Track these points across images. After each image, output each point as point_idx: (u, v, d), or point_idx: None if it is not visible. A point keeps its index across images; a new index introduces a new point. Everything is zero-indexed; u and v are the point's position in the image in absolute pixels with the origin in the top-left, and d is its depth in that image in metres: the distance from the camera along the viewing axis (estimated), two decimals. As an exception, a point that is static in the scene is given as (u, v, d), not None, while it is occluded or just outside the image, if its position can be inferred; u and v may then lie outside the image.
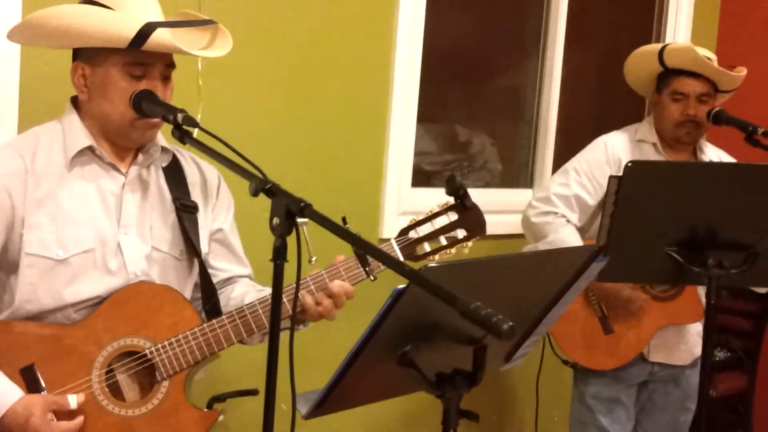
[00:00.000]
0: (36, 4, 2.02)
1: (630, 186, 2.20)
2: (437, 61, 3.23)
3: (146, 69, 1.82)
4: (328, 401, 1.56)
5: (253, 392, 2.64)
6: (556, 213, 2.79)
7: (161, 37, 1.77)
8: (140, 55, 1.80)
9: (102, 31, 1.77)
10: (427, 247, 1.91)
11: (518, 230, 2.98)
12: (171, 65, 1.87)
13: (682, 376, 2.86)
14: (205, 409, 1.91)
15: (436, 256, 1.90)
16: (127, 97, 1.81)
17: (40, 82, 2.24)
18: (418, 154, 3.21)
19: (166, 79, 1.86)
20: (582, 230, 2.82)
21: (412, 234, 1.91)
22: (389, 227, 2.99)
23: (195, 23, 1.87)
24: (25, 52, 2.21)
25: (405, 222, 1.97)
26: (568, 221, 2.79)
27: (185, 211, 1.93)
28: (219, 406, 2.61)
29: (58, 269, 1.82)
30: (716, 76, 2.77)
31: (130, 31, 1.75)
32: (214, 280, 2.00)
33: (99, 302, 1.85)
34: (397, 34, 2.96)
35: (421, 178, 3.29)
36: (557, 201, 2.80)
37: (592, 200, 2.80)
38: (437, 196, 3.22)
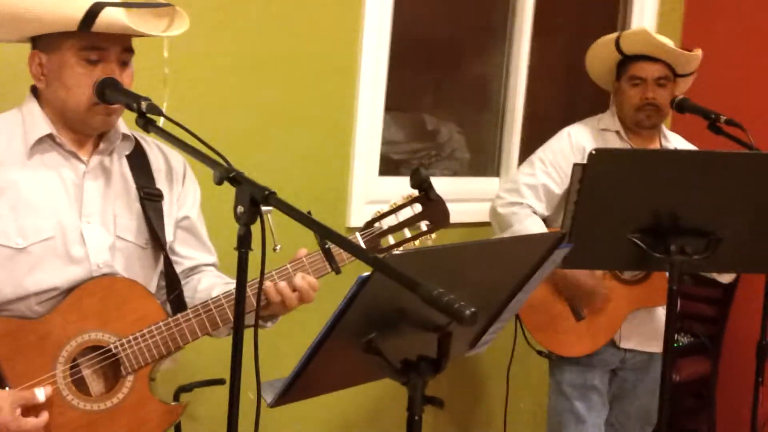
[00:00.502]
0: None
1: (594, 173, 2.21)
2: (405, 49, 3.23)
3: (101, 53, 1.79)
4: (294, 389, 1.56)
5: (220, 382, 2.64)
6: (521, 204, 2.82)
7: (112, 16, 1.72)
8: (94, 39, 1.77)
9: (51, 12, 1.73)
10: (391, 239, 1.91)
11: (486, 218, 2.99)
12: (129, 50, 1.84)
13: (653, 364, 2.88)
14: (172, 401, 1.90)
15: (401, 249, 1.89)
16: (83, 83, 1.78)
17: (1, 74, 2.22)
18: (386, 143, 3.22)
19: (124, 64, 1.83)
20: (549, 221, 2.84)
21: (377, 226, 1.90)
22: (356, 216, 2.99)
23: (148, 5, 1.83)
24: (-16, 42, 2.18)
25: (372, 211, 1.96)
26: (534, 212, 2.82)
27: (149, 199, 1.91)
28: (186, 396, 2.61)
29: (18, 258, 1.79)
30: (671, 58, 2.80)
31: (79, 12, 1.71)
32: (180, 269, 1.99)
33: (62, 293, 1.82)
34: (364, 21, 2.95)
35: (390, 166, 3.30)
36: (525, 191, 2.83)
37: (558, 189, 2.83)
38: (405, 185, 3.24)
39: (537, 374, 3.06)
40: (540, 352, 2.89)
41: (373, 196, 3.04)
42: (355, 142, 3.01)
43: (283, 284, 1.82)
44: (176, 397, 2.58)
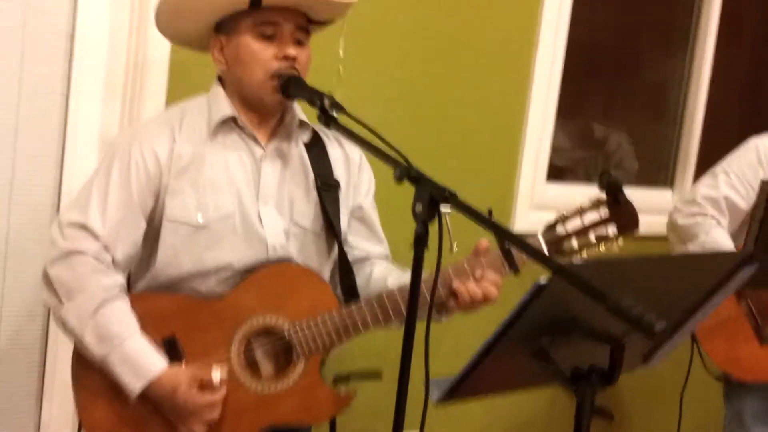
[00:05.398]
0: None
1: (782, 191, 2.09)
2: (577, 53, 3.16)
3: (275, 28, 1.84)
4: (461, 388, 1.55)
5: (376, 375, 2.66)
6: (705, 214, 2.65)
7: None
8: (267, 14, 1.83)
9: None
10: (574, 243, 1.83)
11: (655, 231, 2.88)
12: (303, 29, 1.88)
13: None
14: (338, 389, 1.91)
15: (584, 254, 1.83)
16: (258, 57, 1.84)
17: (187, 61, 2.31)
18: (551, 149, 3.17)
19: (299, 43, 1.87)
20: (732, 238, 2.68)
21: (560, 229, 1.83)
22: (521, 221, 2.96)
23: None
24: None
25: (538, 216, 1.92)
26: (718, 223, 2.64)
27: (327, 189, 1.94)
28: (342, 384, 2.65)
29: (198, 234, 1.85)
30: None
31: None
32: (350, 258, 2.00)
33: (237, 273, 1.87)
34: (542, 25, 2.93)
35: (553, 173, 3.24)
36: (704, 203, 2.65)
37: (744, 203, 2.64)
38: (571, 192, 3.19)
39: (713, 399, 2.86)
40: (718, 378, 2.70)
41: (538, 201, 3.01)
42: (524, 146, 2.98)
43: (472, 285, 1.80)
44: (333, 385, 2.61)
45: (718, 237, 2.60)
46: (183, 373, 1.79)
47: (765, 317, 2.62)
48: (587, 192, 1.91)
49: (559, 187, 3.14)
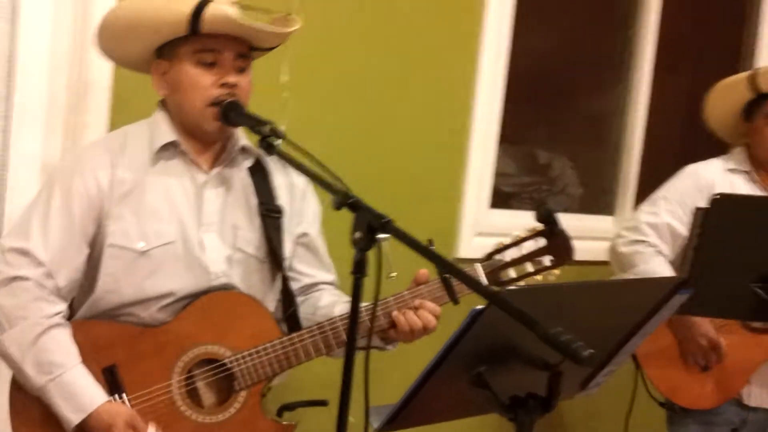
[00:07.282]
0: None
1: (716, 219, 2.14)
2: (519, 81, 3.20)
3: (216, 56, 1.84)
4: (401, 416, 1.56)
5: (323, 403, 2.64)
6: (646, 242, 2.67)
7: (218, 9, 1.77)
8: (208, 42, 1.83)
9: (163, 8, 1.79)
10: (512, 272, 1.87)
11: (596, 257, 2.92)
12: (245, 56, 1.88)
13: None
14: (279, 419, 1.91)
15: (522, 282, 1.86)
16: (198, 85, 1.83)
17: (130, 85, 2.28)
18: (497, 175, 3.19)
19: (241, 71, 1.87)
20: (673, 264, 2.68)
21: (498, 258, 1.87)
22: (465, 247, 2.97)
23: (259, 8, 1.86)
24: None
25: (482, 242, 1.95)
26: (659, 252, 2.67)
27: (269, 216, 1.93)
28: (288, 414, 2.63)
29: (139, 261, 1.83)
30: None
31: (187, 8, 1.77)
32: (298, 285, 2.00)
33: (179, 300, 1.85)
34: (482, 52, 2.96)
35: (499, 199, 3.28)
36: (647, 230, 2.68)
37: (685, 230, 2.64)
38: (515, 218, 3.22)
39: (658, 425, 2.90)
40: (662, 404, 2.73)
41: (483, 228, 3.02)
42: (468, 172, 3.00)
43: (411, 314, 1.81)
44: (278, 415, 2.60)
45: (656, 267, 2.62)
46: (122, 411, 1.78)
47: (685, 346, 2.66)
48: (531, 218, 1.93)
49: (503, 213, 3.17)
